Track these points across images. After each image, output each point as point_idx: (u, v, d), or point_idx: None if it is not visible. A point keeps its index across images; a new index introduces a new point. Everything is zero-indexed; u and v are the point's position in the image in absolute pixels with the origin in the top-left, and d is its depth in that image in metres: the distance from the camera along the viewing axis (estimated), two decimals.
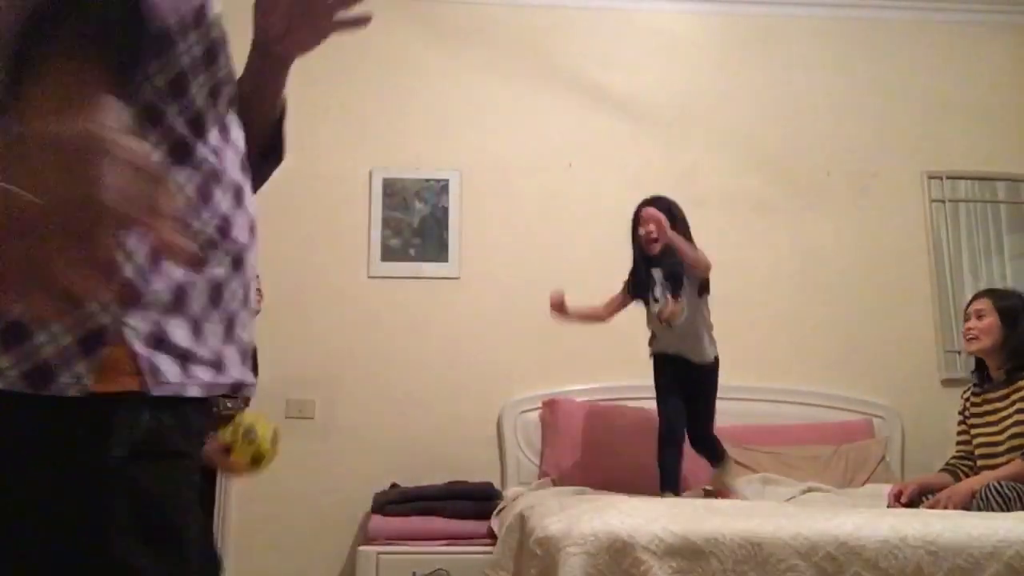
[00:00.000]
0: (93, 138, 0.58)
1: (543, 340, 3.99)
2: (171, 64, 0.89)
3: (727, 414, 3.80)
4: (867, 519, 2.06)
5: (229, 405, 2.52)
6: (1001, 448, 2.72)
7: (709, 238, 4.17)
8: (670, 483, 3.01)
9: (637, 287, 3.30)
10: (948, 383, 4.07)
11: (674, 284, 3.16)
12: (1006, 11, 4.51)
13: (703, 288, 3.20)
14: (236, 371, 0.98)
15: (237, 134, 1.01)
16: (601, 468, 3.56)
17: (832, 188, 4.30)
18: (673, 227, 3.14)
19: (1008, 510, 2.40)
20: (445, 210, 4.10)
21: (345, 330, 3.94)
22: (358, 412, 3.88)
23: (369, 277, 4.02)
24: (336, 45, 4.10)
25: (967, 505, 2.56)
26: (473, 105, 4.23)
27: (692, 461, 3.24)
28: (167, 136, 0.87)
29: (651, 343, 3.28)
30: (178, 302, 0.89)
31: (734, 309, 4.09)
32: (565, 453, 3.69)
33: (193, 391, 0.89)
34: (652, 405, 3.32)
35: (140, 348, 0.83)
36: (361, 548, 3.33)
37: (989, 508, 2.45)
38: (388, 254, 4.04)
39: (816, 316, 4.14)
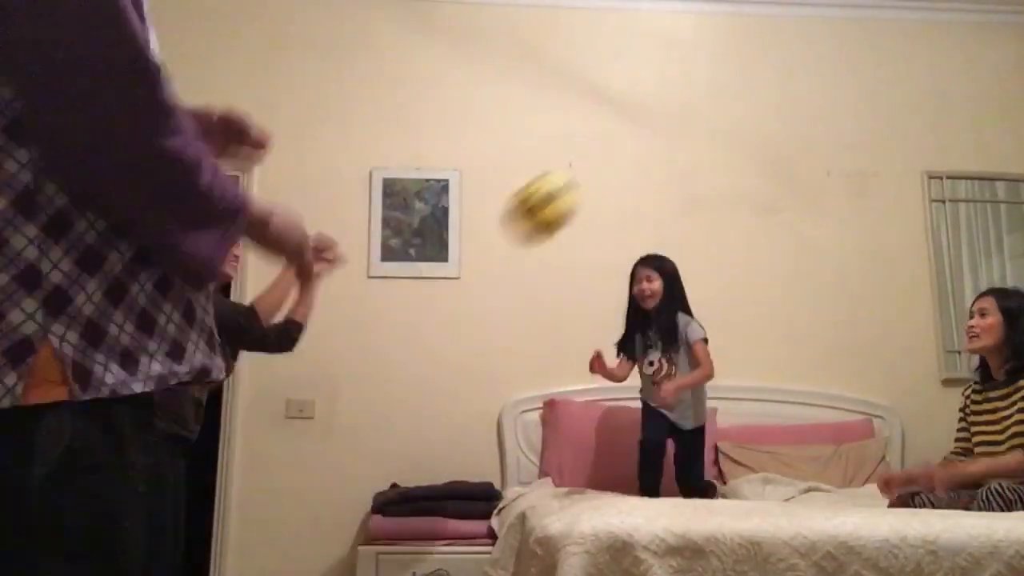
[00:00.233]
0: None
1: (543, 340, 3.99)
2: None
3: (727, 414, 3.81)
4: (867, 519, 2.06)
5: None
6: (1002, 448, 2.72)
7: (709, 238, 4.19)
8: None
9: (626, 346, 3.28)
10: (948, 383, 4.06)
11: (667, 343, 3.15)
12: (1007, 11, 4.51)
13: None
14: (200, 357, 0.96)
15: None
16: (601, 468, 3.56)
17: (832, 188, 4.30)
18: (671, 287, 3.18)
19: (1009, 512, 2.40)
20: (445, 210, 4.10)
21: (345, 330, 3.94)
22: (358, 412, 3.88)
23: (369, 277, 4.02)
24: (336, 45, 4.10)
25: (955, 484, 2.56)
26: (473, 105, 4.23)
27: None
28: None
29: (641, 391, 3.27)
30: (117, 296, 0.87)
31: (734, 309, 4.09)
32: (565, 453, 3.69)
33: (137, 387, 0.87)
34: None
35: (69, 352, 0.82)
36: (361, 548, 3.33)
37: (990, 509, 2.44)
38: (388, 254, 4.04)
39: (816, 316, 4.14)
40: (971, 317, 2.89)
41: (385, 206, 4.09)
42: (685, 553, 1.95)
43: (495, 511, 3.38)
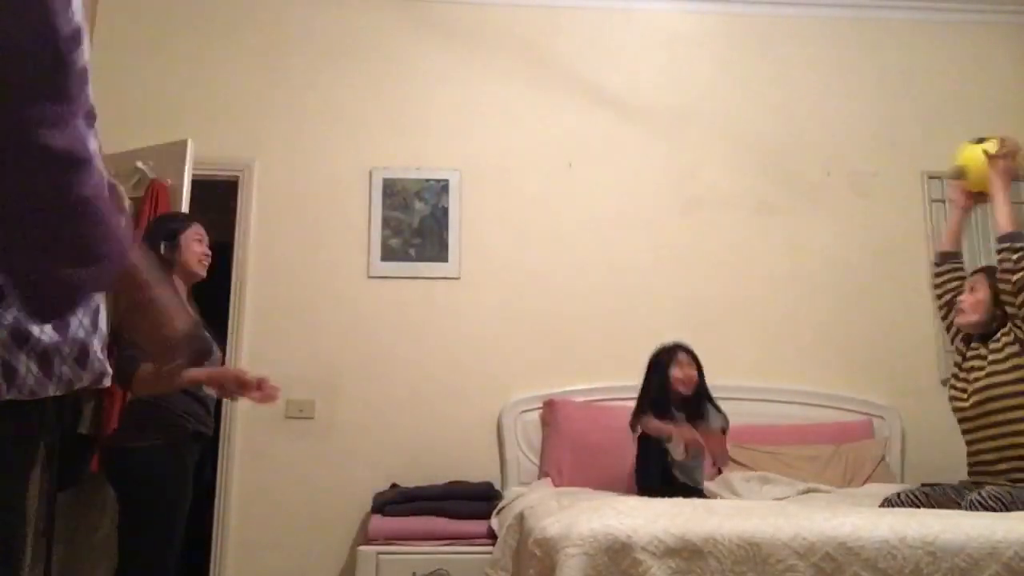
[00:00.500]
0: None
1: (543, 340, 3.99)
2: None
3: (728, 414, 3.80)
4: (866, 519, 2.05)
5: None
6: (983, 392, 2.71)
7: (708, 238, 4.19)
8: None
9: (640, 418, 3.17)
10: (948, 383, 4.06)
11: (696, 421, 3.11)
12: (1006, 11, 4.51)
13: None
14: (99, 362, 1.00)
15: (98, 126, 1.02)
16: (601, 468, 3.56)
17: (832, 188, 4.30)
18: (702, 377, 3.15)
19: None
20: (445, 210, 4.10)
21: (345, 330, 3.94)
22: (358, 412, 3.88)
23: (369, 277, 4.02)
24: (336, 45, 4.10)
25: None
26: (473, 105, 4.23)
27: None
28: None
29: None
30: None
31: (733, 309, 4.10)
32: (565, 453, 3.69)
33: (51, 390, 0.89)
34: None
35: None
36: (361, 548, 3.34)
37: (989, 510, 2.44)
38: (388, 254, 4.04)
39: (816, 316, 4.14)
40: (961, 292, 2.89)
41: (385, 206, 4.09)
42: (684, 554, 1.95)
43: (495, 511, 3.38)
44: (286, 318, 3.93)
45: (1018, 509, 2.38)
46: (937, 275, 3.00)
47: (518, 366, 3.97)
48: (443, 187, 4.13)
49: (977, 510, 2.40)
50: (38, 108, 0.82)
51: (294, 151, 4.11)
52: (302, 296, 3.96)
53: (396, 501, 3.48)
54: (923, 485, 2.90)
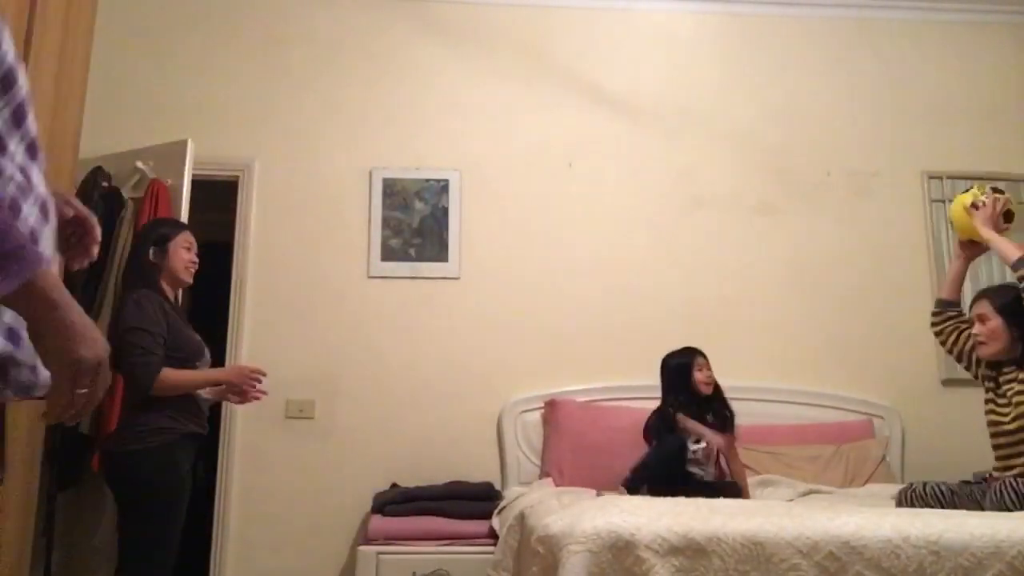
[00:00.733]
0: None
1: (543, 340, 3.99)
2: None
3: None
4: (869, 519, 2.05)
5: None
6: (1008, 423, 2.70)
7: (709, 238, 4.19)
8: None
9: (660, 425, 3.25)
10: (948, 383, 4.07)
11: (723, 428, 3.21)
12: (1006, 11, 4.52)
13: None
14: (43, 370, 1.01)
15: (43, 155, 1.03)
16: (601, 468, 3.55)
17: (832, 188, 4.30)
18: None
19: (1022, 507, 2.40)
20: (445, 210, 4.10)
21: (345, 330, 3.94)
22: (358, 412, 3.87)
23: (369, 277, 4.01)
24: (336, 45, 4.10)
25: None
26: (473, 105, 4.23)
27: None
28: None
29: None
30: None
31: (733, 309, 4.09)
32: (565, 453, 3.69)
33: (7, 394, 0.90)
34: (652, 405, 3.32)
35: None
36: (361, 548, 3.33)
37: (1003, 501, 2.44)
38: (388, 254, 4.04)
39: (816, 316, 4.14)
40: (971, 324, 2.88)
41: (385, 206, 4.08)
42: (687, 552, 1.94)
43: (496, 511, 3.37)
44: (286, 318, 3.92)
45: None
46: (935, 324, 3.01)
47: (518, 366, 3.96)
48: (443, 187, 4.12)
49: (1007, 495, 2.42)
50: None
51: (294, 151, 4.10)
52: (302, 296, 3.96)
53: (396, 501, 3.47)
54: (962, 483, 2.88)
